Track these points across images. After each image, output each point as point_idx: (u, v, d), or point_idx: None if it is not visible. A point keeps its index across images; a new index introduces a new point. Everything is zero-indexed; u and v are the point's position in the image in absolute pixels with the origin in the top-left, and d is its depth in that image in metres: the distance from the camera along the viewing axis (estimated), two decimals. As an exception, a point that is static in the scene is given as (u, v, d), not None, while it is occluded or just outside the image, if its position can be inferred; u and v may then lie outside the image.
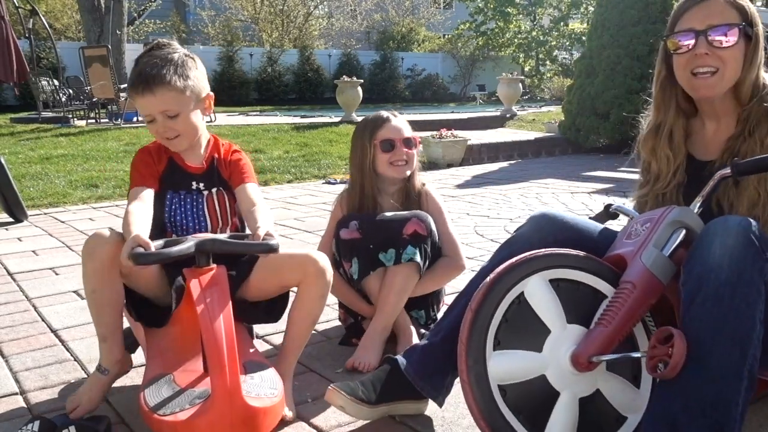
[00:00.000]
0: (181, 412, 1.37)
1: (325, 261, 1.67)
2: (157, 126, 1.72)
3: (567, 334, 1.36)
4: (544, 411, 1.33)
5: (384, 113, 2.21)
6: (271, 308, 1.79)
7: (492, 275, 1.41)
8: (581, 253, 1.47)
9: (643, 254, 1.37)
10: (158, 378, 1.53)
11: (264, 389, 1.47)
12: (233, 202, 1.83)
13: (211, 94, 1.82)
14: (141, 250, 1.40)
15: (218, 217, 1.82)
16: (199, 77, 1.76)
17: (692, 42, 1.52)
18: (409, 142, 2.15)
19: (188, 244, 1.48)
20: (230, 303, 1.46)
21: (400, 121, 2.19)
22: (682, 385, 1.23)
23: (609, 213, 1.77)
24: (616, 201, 1.85)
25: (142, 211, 1.63)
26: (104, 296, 1.62)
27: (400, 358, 1.60)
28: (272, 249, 1.48)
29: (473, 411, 1.32)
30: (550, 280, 1.41)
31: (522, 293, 1.39)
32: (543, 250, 1.46)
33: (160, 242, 1.48)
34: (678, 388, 1.23)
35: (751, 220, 1.30)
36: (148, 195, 1.71)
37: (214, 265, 1.53)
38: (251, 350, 1.68)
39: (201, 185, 1.82)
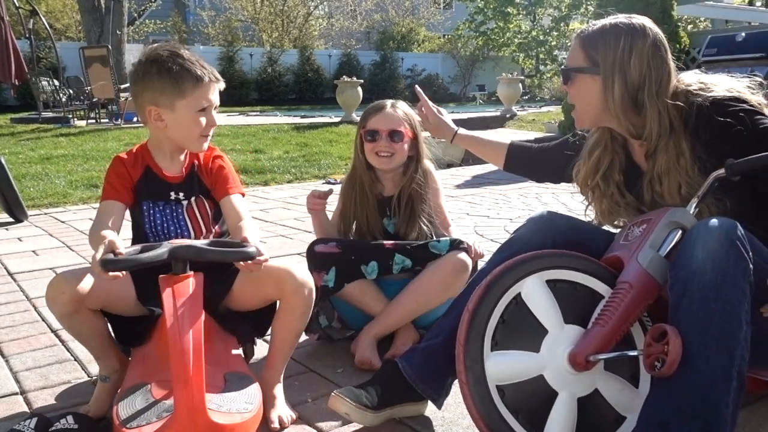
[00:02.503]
0: (147, 425, 1.35)
1: (304, 275, 1.63)
2: (209, 118, 1.71)
3: (564, 335, 1.37)
4: (543, 411, 1.33)
5: (386, 102, 2.20)
6: (258, 322, 1.78)
7: (489, 276, 1.41)
8: (578, 254, 1.47)
9: (639, 255, 1.38)
10: (135, 388, 1.51)
11: (238, 404, 1.44)
12: (215, 209, 1.79)
13: None
14: (111, 256, 1.38)
15: (201, 226, 1.78)
16: None
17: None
18: (395, 135, 2.11)
19: (162, 250, 1.44)
20: (202, 314, 1.42)
21: (395, 111, 2.15)
22: (671, 388, 1.24)
23: None
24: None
25: (111, 224, 1.64)
26: (82, 332, 1.65)
27: (399, 360, 1.60)
28: (248, 256, 1.45)
29: (471, 411, 1.32)
30: (548, 281, 1.42)
31: (519, 294, 1.40)
32: (540, 251, 1.47)
33: (137, 248, 1.47)
34: (668, 391, 1.24)
35: (735, 222, 1.31)
36: (118, 209, 1.70)
37: (191, 273, 1.48)
38: (236, 360, 1.66)
39: (180, 195, 1.77)
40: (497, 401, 1.31)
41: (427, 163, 2.23)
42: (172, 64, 1.66)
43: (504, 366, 1.34)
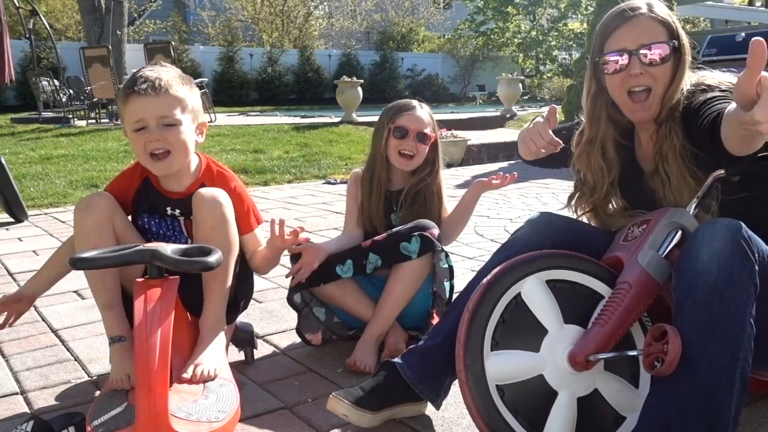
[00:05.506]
0: (114, 431, 1.34)
1: (209, 191, 1.64)
2: (148, 135, 1.59)
3: (564, 334, 1.37)
4: (543, 410, 1.33)
5: (413, 102, 2.20)
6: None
7: (489, 276, 1.41)
8: (577, 254, 1.47)
9: (639, 255, 1.38)
10: (115, 391, 1.52)
11: (210, 413, 1.42)
12: None
13: (206, 122, 1.75)
14: (82, 255, 1.41)
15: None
16: (199, 99, 1.71)
17: (625, 62, 1.50)
18: (422, 137, 2.12)
19: (128, 251, 1.45)
20: (171, 320, 1.40)
21: (423, 113, 2.16)
22: (674, 389, 1.24)
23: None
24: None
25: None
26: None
27: (398, 361, 1.59)
28: (208, 267, 1.44)
29: (471, 411, 1.33)
30: (547, 281, 1.42)
31: (519, 294, 1.40)
32: (540, 251, 1.47)
33: (115, 248, 1.48)
34: (670, 392, 1.24)
35: (740, 223, 1.30)
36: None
37: (166, 277, 1.48)
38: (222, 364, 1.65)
39: (177, 211, 1.73)
40: (497, 401, 1.31)
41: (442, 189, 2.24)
42: (140, 71, 1.66)
43: (504, 365, 1.34)
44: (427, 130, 2.14)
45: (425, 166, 2.19)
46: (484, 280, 1.42)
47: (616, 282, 1.40)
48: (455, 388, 1.66)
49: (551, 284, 1.42)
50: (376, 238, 2.01)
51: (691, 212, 1.43)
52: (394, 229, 2.02)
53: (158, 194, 1.74)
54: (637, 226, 1.48)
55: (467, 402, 1.33)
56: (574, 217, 1.76)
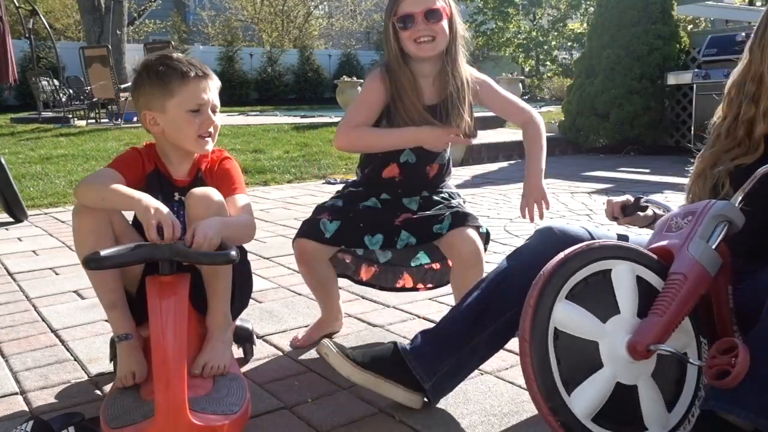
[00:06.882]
0: (130, 426, 1.36)
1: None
2: (204, 117, 1.69)
3: (633, 323, 1.38)
4: (581, 374, 1.34)
5: None
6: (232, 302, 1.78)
7: (600, 242, 1.43)
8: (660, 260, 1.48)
9: (690, 246, 1.39)
10: (126, 387, 1.54)
11: (223, 406, 1.44)
12: None
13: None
14: (97, 254, 1.41)
15: None
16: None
17: None
18: (433, 14, 1.83)
19: (145, 249, 1.46)
20: (186, 316, 1.42)
21: None
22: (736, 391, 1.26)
23: (638, 206, 1.80)
24: (618, 198, 1.85)
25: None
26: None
27: (401, 343, 1.63)
28: (230, 260, 1.46)
29: (524, 332, 1.34)
30: (637, 276, 1.43)
31: (610, 270, 1.41)
32: (641, 248, 1.47)
33: (131, 245, 1.48)
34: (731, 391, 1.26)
35: None
36: (119, 182, 1.63)
37: (178, 274, 1.49)
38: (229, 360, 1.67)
39: (183, 198, 1.75)
40: (550, 339, 1.33)
41: (481, 77, 2.06)
42: (159, 65, 1.67)
43: (570, 315, 1.36)
44: (436, 5, 1.85)
45: (449, 50, 1.92)
46: (595, 242, 1.42)
47: (669, 273, 1.40)
48: (457, 388, 1.66)
49: (639, 279, 1.43)
50: (409, 217, 1.98)
51: (737, 205, 1.44)
52: (429, 213, 1.98)
53: (168, 181, 1.78)
54: (681, 217, 1.48)
55: (524, 324, 1.34)
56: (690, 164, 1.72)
